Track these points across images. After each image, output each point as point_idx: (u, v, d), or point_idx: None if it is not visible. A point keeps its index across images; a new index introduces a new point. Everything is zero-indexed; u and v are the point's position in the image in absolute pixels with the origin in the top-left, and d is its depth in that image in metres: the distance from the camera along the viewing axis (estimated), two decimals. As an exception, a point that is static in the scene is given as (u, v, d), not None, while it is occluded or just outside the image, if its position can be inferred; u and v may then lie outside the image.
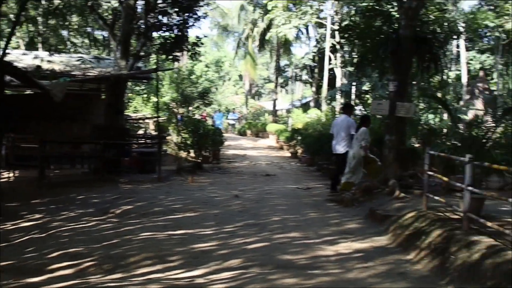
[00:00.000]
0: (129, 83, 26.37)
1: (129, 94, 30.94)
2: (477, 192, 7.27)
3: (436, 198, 8.60)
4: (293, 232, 8.75)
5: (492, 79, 34.80)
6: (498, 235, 6.66)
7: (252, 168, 20.47)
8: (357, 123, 12.90)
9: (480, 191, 7.49)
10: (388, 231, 8.62)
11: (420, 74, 15.18)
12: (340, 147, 12.80)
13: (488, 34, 36.07)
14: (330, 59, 35.57)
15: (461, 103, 29.38)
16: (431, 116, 21.28)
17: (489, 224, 6.65)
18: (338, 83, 34.07)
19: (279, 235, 8.50)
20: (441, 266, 6.49)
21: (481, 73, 31.30)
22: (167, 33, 19.61)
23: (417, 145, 14.84)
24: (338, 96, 32.18)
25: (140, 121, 28.18)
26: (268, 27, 41.32)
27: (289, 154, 26.71)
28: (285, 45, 47.34)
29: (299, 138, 23.76)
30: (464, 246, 6.49)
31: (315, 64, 43.57)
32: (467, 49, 34.47)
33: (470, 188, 7.18)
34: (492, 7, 32.35)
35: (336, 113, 25.54)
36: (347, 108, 13.84)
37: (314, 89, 44.02)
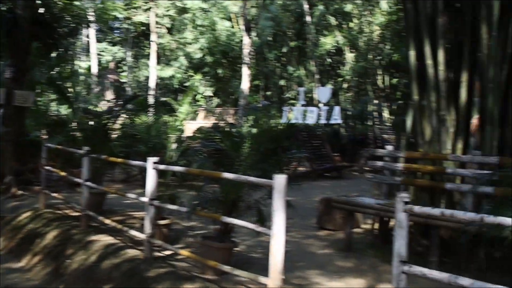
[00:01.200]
0: None
1: None
2: (95, 186, 6.78)
3: (54, 194, 7.88)
4: None
5: (123, 71, 35.60)
6: (118, 231, 6.30)
7: None
8: None
9: (99, 186, 7.02)
10: (0, 236, 7.53)
11: (38, 61, 14.09)
12: None
13: (118, 26, 36.76)
14: None
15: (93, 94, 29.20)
16: (63, 107, 20.42)
17: (107, 221, 6.24)
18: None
19: None
20: (56, 272, 5.83)
21: (111, 65, 31.77)
22: None
23: (44, 137, 13.83)
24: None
25: None
26: None
27: None
28: None
29: None
30: (82, 247, 5.94)
31: None
32: (99, 41, 34.42)
33: (88, 183, 6.68)
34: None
35: None
36: None
37: None
